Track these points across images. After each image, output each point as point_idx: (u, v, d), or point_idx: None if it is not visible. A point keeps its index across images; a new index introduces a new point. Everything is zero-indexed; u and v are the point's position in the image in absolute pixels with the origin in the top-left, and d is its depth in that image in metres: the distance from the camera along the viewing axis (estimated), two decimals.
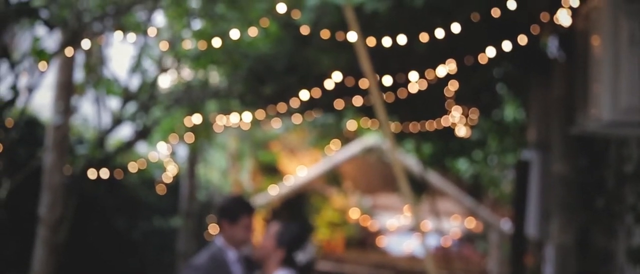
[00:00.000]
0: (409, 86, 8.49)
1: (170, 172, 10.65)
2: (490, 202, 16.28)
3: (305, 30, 7.22)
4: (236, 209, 4.75)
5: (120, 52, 8.49)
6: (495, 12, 6.49)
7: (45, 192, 7.23)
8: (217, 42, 7.33)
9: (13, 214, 8.16)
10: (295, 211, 17.03)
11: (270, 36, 7.63)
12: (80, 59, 7.68)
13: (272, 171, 17.19)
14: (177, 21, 7.68)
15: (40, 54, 5.68)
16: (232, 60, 8.13)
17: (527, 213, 8.34)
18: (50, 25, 5.86)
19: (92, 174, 7.83)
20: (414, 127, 10.96)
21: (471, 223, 18.55)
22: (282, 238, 4.40)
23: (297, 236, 4.42)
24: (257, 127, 13.84)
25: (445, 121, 10.83)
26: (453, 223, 18.98)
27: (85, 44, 6.46)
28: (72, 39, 6.10)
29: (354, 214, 19.20)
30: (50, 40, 6.20)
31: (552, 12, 6.74)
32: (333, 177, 18.16)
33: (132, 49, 7.98)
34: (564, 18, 6.55)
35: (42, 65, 5.78)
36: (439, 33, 6.64)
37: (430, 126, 10.95)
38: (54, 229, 7.22)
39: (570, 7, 6.45)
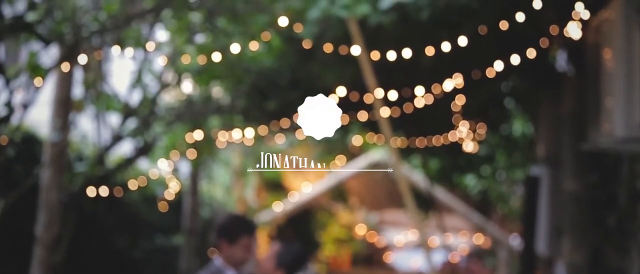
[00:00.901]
0: (415, 100, 8.36)
1: (173, 189, 10.50)
2: (498, 218, 16.11)
3: (308, 44, 7.10)
4: (235, 229, 4.61)
5: (120, 67, 8.37)
6: (503, 25, 6.35)
7: (42, 210, 7.07)
8: (218, 57, 7.21)
9: (9, 234, 8.01)
10: (301, 227, 16.88)
11: (273, 50, 7.53)
12: (78, 74, 7.56)
13: (276, 188, 17.04)
14: (179, 35, 7.56)
15: (35, 70, 5.55)
16: (235, 75, 8.02)
17: (537, 229, 8.19)
18: (46, 40, 5.72)
19: (91, 191, 7.67)
20: (420, 142, 10.82)
21: (479, 239, 18.36)
22: (282, 258, 4.32)
23: (297, 257, 4.35)
24: (261, 143, 13.70)
25: (452, 136, 10.69)
26: (461, 239, 18.80)
27: (82, 59, 6.33)
28: (69, 54, 5.97)
29: (361, 230, 19.04)
30: (47, 55, 6.06)
31: (562, 25, 6.61)
32: (339, 193, 18.02)
33: (133, 64, 7.87)
34: (573, 31, 6.43)
35: (37, 81, 5.65)
36: (446, 46, 6.51)
37: (437, 141, 10.81)
38: (51, 249, 7.06)
39: (581, 20, 6.32)
